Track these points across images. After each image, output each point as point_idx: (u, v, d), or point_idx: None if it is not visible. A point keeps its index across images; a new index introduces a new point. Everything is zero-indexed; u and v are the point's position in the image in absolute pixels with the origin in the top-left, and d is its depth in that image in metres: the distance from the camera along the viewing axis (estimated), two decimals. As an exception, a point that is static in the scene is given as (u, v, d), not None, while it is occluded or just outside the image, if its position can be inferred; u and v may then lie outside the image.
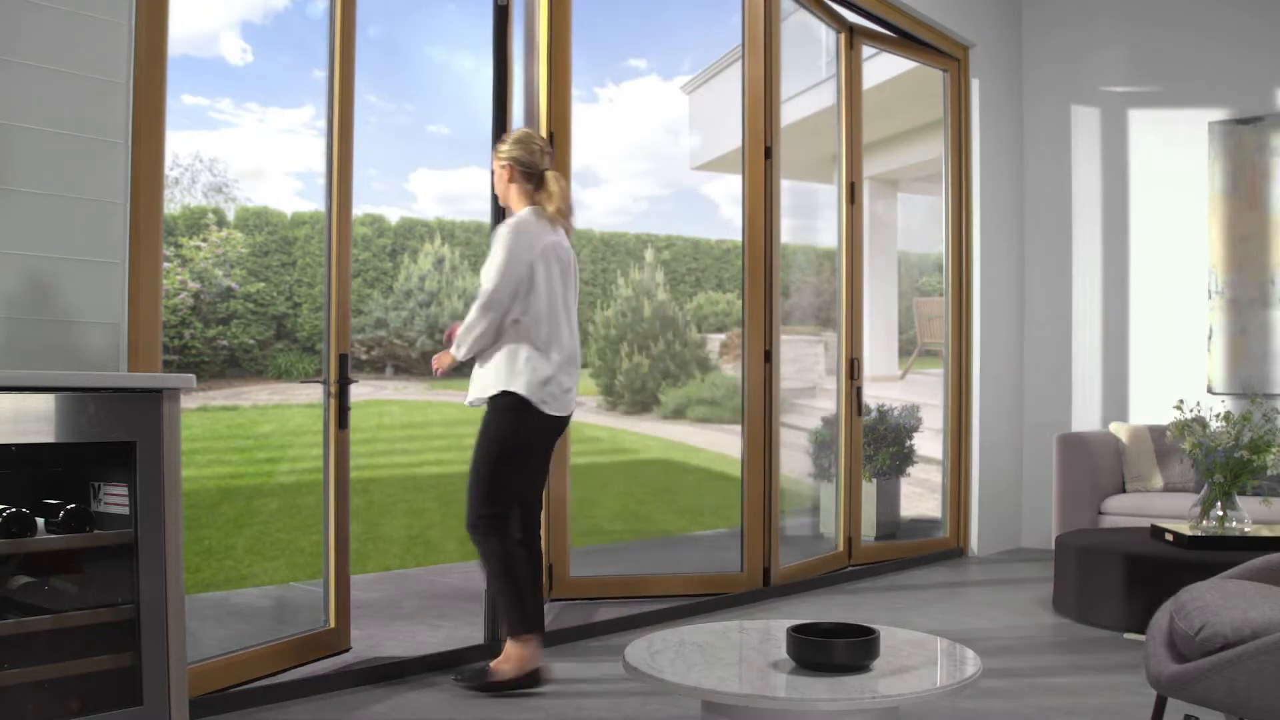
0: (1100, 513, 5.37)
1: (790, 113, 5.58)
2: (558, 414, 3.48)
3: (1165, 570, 4.10)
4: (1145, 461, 5.54)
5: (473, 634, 3.92)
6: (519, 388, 3.39)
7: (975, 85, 6.18)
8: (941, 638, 2.69)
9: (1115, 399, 6.20)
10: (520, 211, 3.53)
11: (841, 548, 5.56)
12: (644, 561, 6.49)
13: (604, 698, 3.39)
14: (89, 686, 2.35)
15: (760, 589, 4.88)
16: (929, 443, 6.46)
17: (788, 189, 5.22)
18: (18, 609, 2.32)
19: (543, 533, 4.45)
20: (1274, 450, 4.27)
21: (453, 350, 3.49)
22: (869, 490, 6.01)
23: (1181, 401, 4.61)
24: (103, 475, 2.48)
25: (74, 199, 2.76)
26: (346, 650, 3.65)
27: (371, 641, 3.84)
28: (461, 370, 3.63)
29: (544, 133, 4.43)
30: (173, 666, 2.40)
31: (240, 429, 10.53)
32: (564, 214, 3.56)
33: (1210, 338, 5.89)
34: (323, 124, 3.61)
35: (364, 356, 12.96)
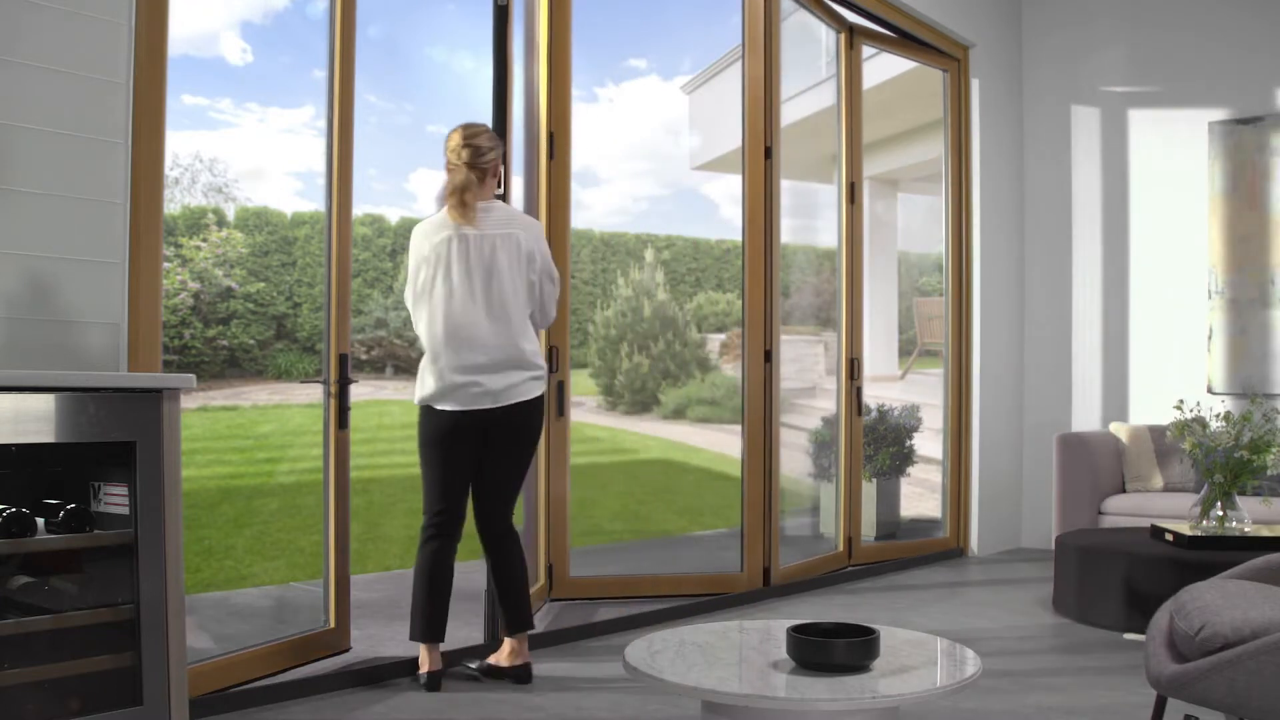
0: (1100, 513, 5.37)
1: (790, 113, 5.58)
2: (456, 408, 3.43)
3: (1165, 570, 4.10)
4: (1145, 461, 5.54)
5: (473, 634, 3.92)
6: (418, 392, 3.51)
7: (975, 85, 6.18)
8: (941, 638, 2.69)
9: (1115, 399, 6.20)
10: None
11: (841, 548, 5.56)
12: (644, 561, 6.49)
13: (604, 698, 3.39)
14: (89, 686, 2.35)
15: (760, 589, 4.88)
16: (929, 443, 6.46)
17: (788, 189, 5.22)
18: (18, 609, 2.32)
19: (542, 533, 4.47)
20: (1274, 450, 4.26)
21: None
22: (869, 490, 6.01)
23: (1181, 401, 4.61)
24: (103, 475, 2.48)
25: (74, 199, 2.76)
26: (346, 650, 3.65)
27: (371, 641, 3.84)
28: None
29: (544, 133, 4.43)
30: (173, 666, 2.40)
31: (240, 429, 10.53)
32: (460, 204, 3.45)
33: (1210, 338, 5.89)
34: (323, 124, 3.61)
35: (364, 356, 12.95)
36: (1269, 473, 4.31)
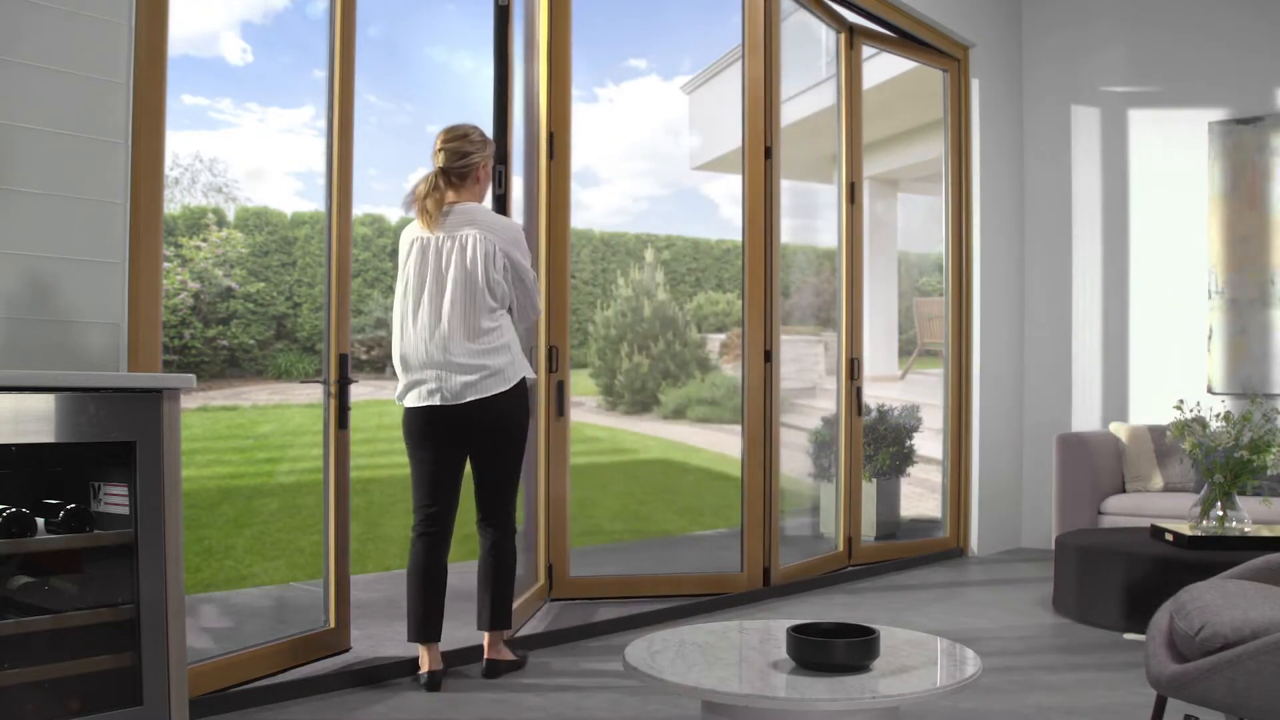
0: (1100, 513, 5.37)
1: (790, 113, 5.58)
2: (422, 405, 3.48)
3: (1165, 570, 4.10)
4: (1145, 461, 5.54)
5: (473, 634, 3.91)
6: (396, 392, 3.58)
7: (975, 85, 6.18)
8: (941, 638, 2.69)
9: (1115, 399, 6.20)
10: None
11: (841, 548, 5.56)
12: (644, 561, 6.49)
13: (604, 697, 3.39)
14: (89, 686, 2.35)
15: (760, 589, 4.88)
16: (929, 443, 6.46)
17: (788, 189, 5.22)
18: (18, 609, 2.32)
19: (542, 533, 4.47)
20: (1274, 450, 4.26)
21: None
22: (869, 490, 6.01)
23: (1181, 401, 4.61)
24: (103, 475, 2.48)
25: (74, 199, 2.76)
26: (346, 650, 3.65)
27: (371, 641, 3.84)
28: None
29: (544, 133, 4.43)
30: (173, 666, 2.40)
31: (240, 429, 10.53)
32: (421, 210, 3.51)
33: (1210, 338, 5.89)
34: (323, 124, 3.61)
35: (364, 356, 12.95)
36: (1269, 473, 4.31)
